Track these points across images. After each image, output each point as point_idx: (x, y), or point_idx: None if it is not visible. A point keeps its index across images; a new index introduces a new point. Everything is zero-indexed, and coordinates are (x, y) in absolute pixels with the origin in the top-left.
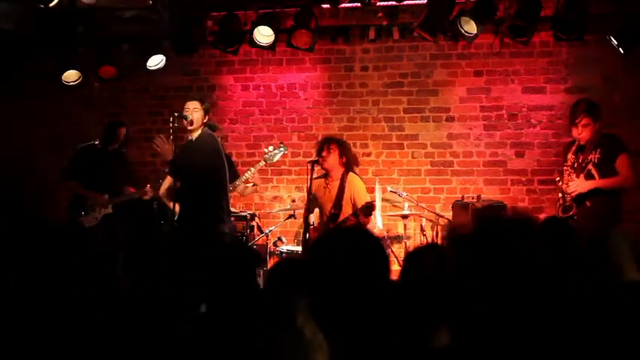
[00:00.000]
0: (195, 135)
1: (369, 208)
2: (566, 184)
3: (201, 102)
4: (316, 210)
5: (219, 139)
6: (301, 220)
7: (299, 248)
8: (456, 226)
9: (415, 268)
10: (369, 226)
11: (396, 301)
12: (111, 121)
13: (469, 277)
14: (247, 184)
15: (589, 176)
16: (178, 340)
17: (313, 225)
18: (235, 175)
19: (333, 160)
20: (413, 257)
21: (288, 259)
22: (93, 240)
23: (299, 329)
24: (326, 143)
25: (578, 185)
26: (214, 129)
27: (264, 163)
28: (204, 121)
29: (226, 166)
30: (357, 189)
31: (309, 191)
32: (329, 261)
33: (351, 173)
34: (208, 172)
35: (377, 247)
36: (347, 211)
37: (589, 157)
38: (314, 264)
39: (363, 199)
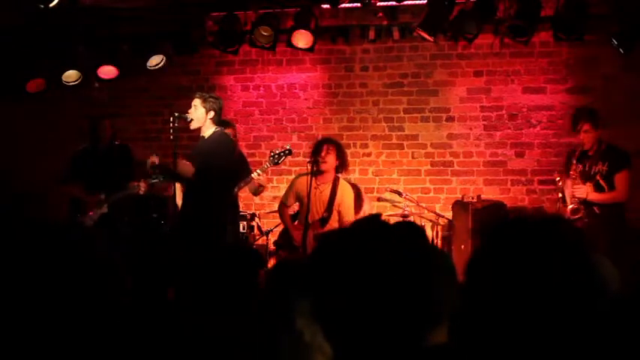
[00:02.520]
0: (206, 133)
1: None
2: (574, 188)
3: (203, 99)
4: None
5: (232, 139)
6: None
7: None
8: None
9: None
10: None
11: (396, 301)
12: (91, 118)
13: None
14: (255, 185)
15: (598, 186)
16: (177, 340)
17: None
18: (248, 173)
19: (331, 161)
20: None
21: (288, 261)
22: (94, 240)
23: (298, 331)
24: (325, 144)
25: (585, 193)
26: (227, 126)
27: (268, 165)
28: (209, 117)
29: (236, 167)
30: (345, 199)
31: (308, 192)
32: (334, 263)
33: (342, 180)
34: (208, 175)
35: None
36: (335, 216)
37: (597, 168)
38: (317, 265)
39: (347, 209)
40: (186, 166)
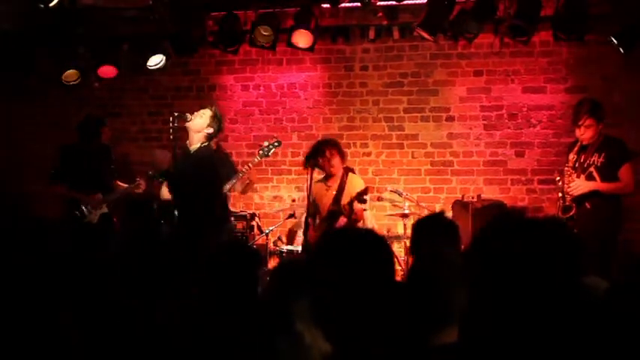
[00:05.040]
0: (194, 146)
1: (363, 193)
2: (567, 184)
3: (214, 114)
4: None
5: (213, 153)
6: (301, 219)
7: (299, 248)
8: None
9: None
10: (360, 223)
11: (400, 301)
12: (91, 119)
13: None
14: (245, 181)
15: (590, 178)
16: (177, 339)
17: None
18: (234, 172)
19: (337, 163)
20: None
21: (289, 262)
22: (95, 239)
23: (298, 332)
24: (327, 148)
25: (579, 186)
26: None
27: (259, 158)
28: (206, 131)
29: (217, 178)
30: (355, 187)
31: (309, 194)
32: (333, 262)
33: (351, 174)
34: (201, 192)
35: (382, 246)
36: (345, 209)
37: (591, 160)
38: (317, 265)
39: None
40: (163, 156)
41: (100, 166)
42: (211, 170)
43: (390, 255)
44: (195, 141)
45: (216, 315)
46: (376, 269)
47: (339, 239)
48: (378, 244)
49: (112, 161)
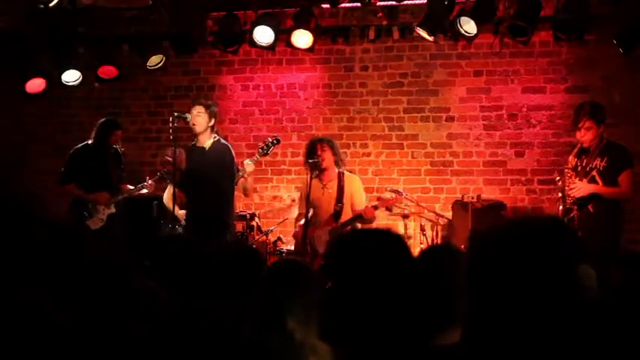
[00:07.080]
0: (206, 143)
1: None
2: (568, 186)
3: (206, 107)
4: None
5: (230, 147)
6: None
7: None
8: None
9: (429, 269)
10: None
11: (407, 302)
12: (106, 122)
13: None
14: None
15: (592, 182)
16: (173, 338)
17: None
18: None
19: (328, 157)
20: (426, 257)
21: (284, 261)
22: (99, 242)
23: (289, 331)
24: (318, 142)
25: (580, 188)
26: None
27: (258, 157)
28: (210, 124)
29: (235, 175)
30: (355, 188)
31: (308, 193)
32: (351, 261)
33: (347, 173)
34: (220, 186)
35: (403, 248)
36: (347, 209)
37: (594, 163)
38: (333, 265)
39: (359, 199)
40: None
41: (109, 168)
42: (229, 165)
43: (407, 254)
44: (206, 138)
45: (215, 314)
46: (393, 269)
47: (357, 239)
48: (395, 244)
49: (122, 165)
